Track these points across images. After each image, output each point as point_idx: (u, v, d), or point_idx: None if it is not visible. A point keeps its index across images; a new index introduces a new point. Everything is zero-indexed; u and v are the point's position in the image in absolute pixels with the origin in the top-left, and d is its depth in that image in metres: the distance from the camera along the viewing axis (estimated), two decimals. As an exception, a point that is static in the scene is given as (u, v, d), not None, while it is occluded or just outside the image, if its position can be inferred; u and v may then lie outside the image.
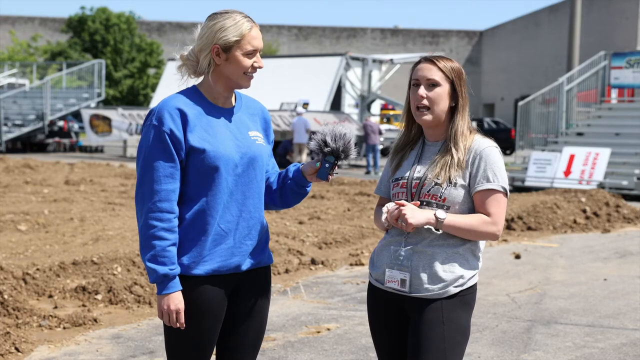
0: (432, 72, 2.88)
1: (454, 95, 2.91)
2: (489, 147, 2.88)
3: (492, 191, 2.85)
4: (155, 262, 2.75)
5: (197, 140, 2.80)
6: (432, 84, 2.88)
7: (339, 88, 25.29)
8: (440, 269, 2.84)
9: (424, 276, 2.85)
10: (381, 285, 2.96)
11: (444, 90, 2.89)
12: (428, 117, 2.89)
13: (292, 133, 22.71)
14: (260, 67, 2.89)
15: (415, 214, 2.78)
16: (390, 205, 2.86)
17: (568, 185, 16.24)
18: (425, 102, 2.88)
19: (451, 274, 2.85)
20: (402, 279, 2.87)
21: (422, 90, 2.88)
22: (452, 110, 2.93)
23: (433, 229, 2.85)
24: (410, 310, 2.90)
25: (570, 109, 20.31)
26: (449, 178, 2.84)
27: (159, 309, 2.80)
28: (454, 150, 2.87)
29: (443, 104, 2.89)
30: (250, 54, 2.85)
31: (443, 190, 2.84)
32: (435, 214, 2.80)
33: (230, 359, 2.97)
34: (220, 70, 2.86)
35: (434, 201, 2.85)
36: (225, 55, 2.83)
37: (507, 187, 2.89)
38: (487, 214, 2.84)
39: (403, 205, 2.79)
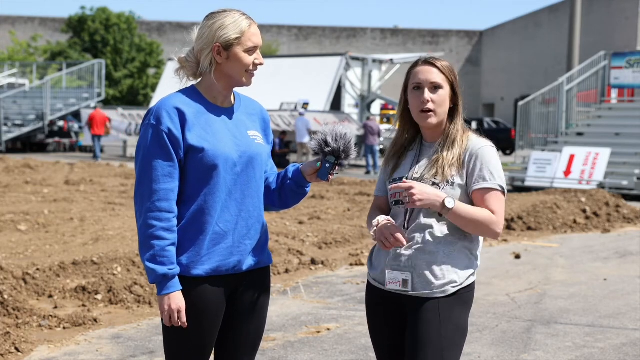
0: (435, 75, 2.90)
1: (453, 96, 2.94)
2: (485, 147, 2.89)
3: (490, 190, 2.85)
4: (155, 262, 2.74)
5: (195, 139, 2.79)
6: (436, 87, 2.90)
7: (339, 88, 25.30)
8: (438, 268, 2.85)
9: (423, 275, 2.86)
10: (381, 286, 2.96)
11: (446, 92, 2.91)
12: (433, 119, 2.90)
13: (294, 133, 22.87)
14: (261, 64, 2.88)
15: (423, 195, 2.75)
16: (381, 218, 2.87)
17: (568, 185, 16.24)
18: (430, 105, 2.89)
19: (449, 273, 2.85)
20: (404, 279, 2.87)
21: (427, 94, 2.89)
22: (452, 111, 2.95)
23: (426, 218, 2.85)
24: (408, 309, 2.91)
25: (570, 109, 20.31)
26: (446, 177, 2.85)
27: (160, 309, 2.80)
28: (451, 150, 2.89)
29: (446, 106, 2.92)
30: (250, 51, 2.84)
31: (440, 190, 2.85)
32: (444, 201, 2.77)
33: (229, 359, 2.97)
34: (222, 69, 2.85)
35: None
36: (226, 53, 2.83)
37: (505, 186, 2.88)
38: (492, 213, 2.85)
39: (412, 187, 2.76)
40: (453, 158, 2.87)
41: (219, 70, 2.86)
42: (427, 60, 2.93)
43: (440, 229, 2.87)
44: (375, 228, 2.86)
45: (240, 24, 2.82)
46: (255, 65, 2.87)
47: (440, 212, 2.81)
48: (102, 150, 28.41)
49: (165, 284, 2.76)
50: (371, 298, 3.03)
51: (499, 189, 2.86)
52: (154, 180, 2.76)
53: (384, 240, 2.82)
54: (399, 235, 2.81)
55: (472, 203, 2.87)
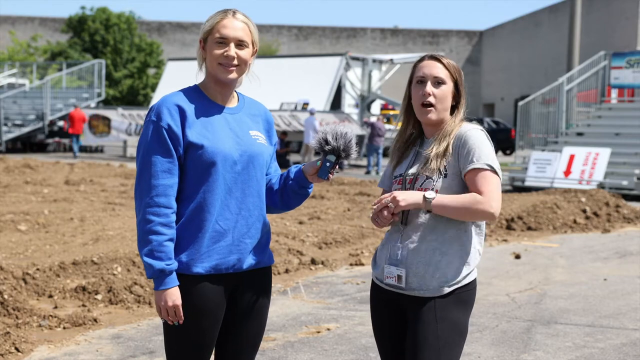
0: (438, 70, 2.90)
1: (456, 94, 2.94)
2: (471, 130, 2.88)
3: (479, 170, 2.82)
4: (152, 257, 2.75)
5: (195, 136, 2.80)
6: (439, 82, 2.90)
7: (339, 88, 25.30)
8: (435, 267, 2.85)
9: (419, 274, 2.86)
10: (381, 283, 2.97)
11: (448, 88, 2.92)
12: (432, 115, 2.91)
13: (300, 133, 22.87)
14: (230, 56, 2.82)
15: (406, 196, 2.82)
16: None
17: (568, 185, 16.24)
18: (431, 99, 2.89)
19: (445, 272, 2.85)
20: (398, 275, 2.88)
21: (429, 87, 2.89)
22: (453, 109, 2.96)
23: (424, 215, 2.86)
24: (407, 309, 2.91)
25: (570, 109, 20.30)
26: (439, 169, 2.86)
27: (156, 305, 2.80)
28: (442, 142, 2.89)
29: (447, 102, 2.92)
30: (220, 43, 2.84)
31: (434, 183, 2.86)
32: (423, 194, 2.81)
33: (230, 359, 2.97)
34: (207, 64, 2.90)
35: None
36: (205, 47, 2.88)
37: (495, 165, 2.84)
38: (480, 193, 2.82)
39: (394, 197, 2.84)
40: (441, 150, 2.87)
41: (207, 66, 2.90)
42: (433, 56, 2.95)
43: (437, 228, 2.87)
44: (377, 205, 2.89)
45: (216, 17, 2.86)
46: (226, 58, 2.83)
47: (425, 208, 2.82)
48: (83, 150, 28.44)
49: (162, 280, 2.76)
50: (374, 298, 3.04)
51: (487, 168, 2.82)
52: (153, 176, 2.77)
53: (377, 207, 2.86)
54: (386, 212, 2.85)
55: (468, 189, 2.86)
